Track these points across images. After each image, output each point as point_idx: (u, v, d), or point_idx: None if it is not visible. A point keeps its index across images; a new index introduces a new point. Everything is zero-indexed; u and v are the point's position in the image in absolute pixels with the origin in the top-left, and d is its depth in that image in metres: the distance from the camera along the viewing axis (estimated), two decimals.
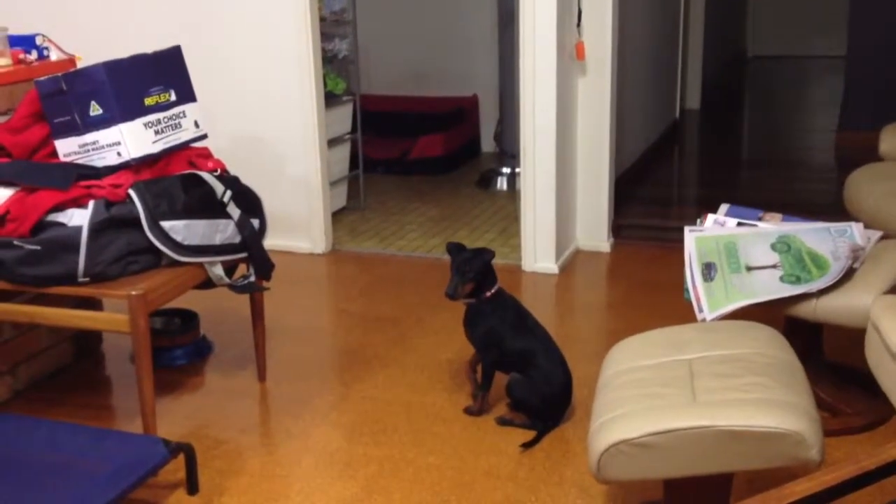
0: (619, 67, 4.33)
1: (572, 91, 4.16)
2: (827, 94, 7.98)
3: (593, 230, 4.34)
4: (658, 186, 5.51)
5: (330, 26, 4.80)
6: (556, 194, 4.02)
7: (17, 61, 3.02)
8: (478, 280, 2.73)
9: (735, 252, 2.68)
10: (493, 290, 2.77)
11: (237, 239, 2.78)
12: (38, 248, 2.51)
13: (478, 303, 2.77)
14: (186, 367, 3.24)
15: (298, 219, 4.34)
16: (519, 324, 2.77)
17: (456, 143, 5.95)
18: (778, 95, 8.71)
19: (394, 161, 5.79)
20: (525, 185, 4.06)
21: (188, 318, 3.37)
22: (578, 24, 4.07)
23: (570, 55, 4.06)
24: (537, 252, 4.07)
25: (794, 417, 1.84)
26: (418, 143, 5.79)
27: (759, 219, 2.82)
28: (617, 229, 4.43)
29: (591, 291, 4.06)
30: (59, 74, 2.73)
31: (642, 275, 4.06)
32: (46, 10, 4.21)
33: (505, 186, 5.40)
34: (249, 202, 2.88)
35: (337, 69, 4.89)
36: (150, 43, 3.06)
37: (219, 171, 2.93)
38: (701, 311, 2.57)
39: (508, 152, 5.41)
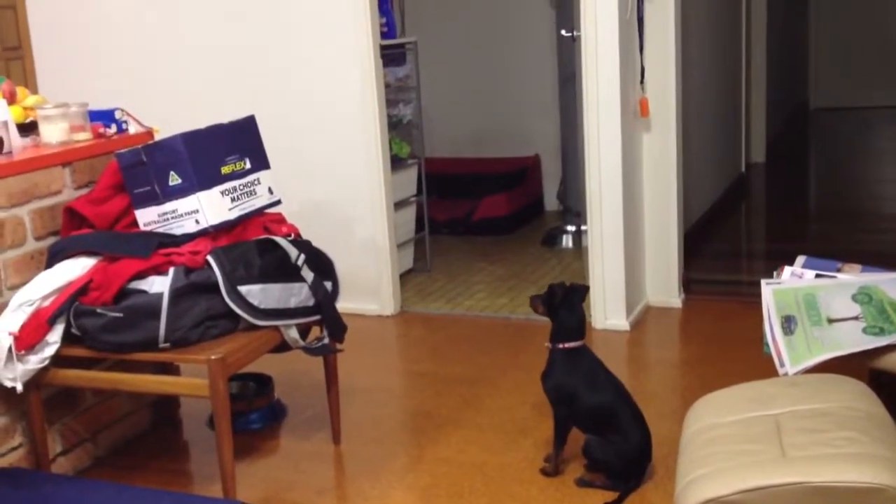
0: (684, 122, 4.33)
1: (637, 147, 4.16)
2: (892, 145, 7.86)
3: (663, 286, 4.30)
4: (727, 240, 5.45)
5: (394, 92, 4.89)
6: (625, 250, 4.00)
7: (98, 135, 3.12)
8: (559, 311, 2.71)
9: (815, 304, 2.62)
10: (574, 344, 2.73)
11: (311, 302, 2.81)
12: (121, 315, 2.57)
13: (554, 351, 2.74)
14: (262, 431, 3.26)
15: (367, 281, 4.37)
16: (594, 380, 2.73)
17: (519, 203, 5.98)
18: (843, 147, 8.59)
19: (458, 222, 5.82)
20: (592, 242, 4.05)
21: (263, 382, 3.40)
22: (642, 81, 4.09)
23: (634, 112, 4.08)
24: (607, 309, 4.04)
25: (888, 472, 1.78)
26: (482, 203, 5.83)
27: (838, 270, 2.76)
28: (687, 284, 4.38)
29: (663, 348, 4.00)
30: (139, 146, 2.82)
31: (715, 330, 3.99)
32: (124, 86, 4.37)
33: (571, 244, 5.39)
34: (322, 265, 2.92)
35: (402, 133, 4.97)
36: (224, 110, 3.15)
37: (292, 235, 2.98)
38: (783, 365, 2.52)
39: (573, 210, 5.41)
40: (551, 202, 6.24)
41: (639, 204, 4.21)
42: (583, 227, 4.72)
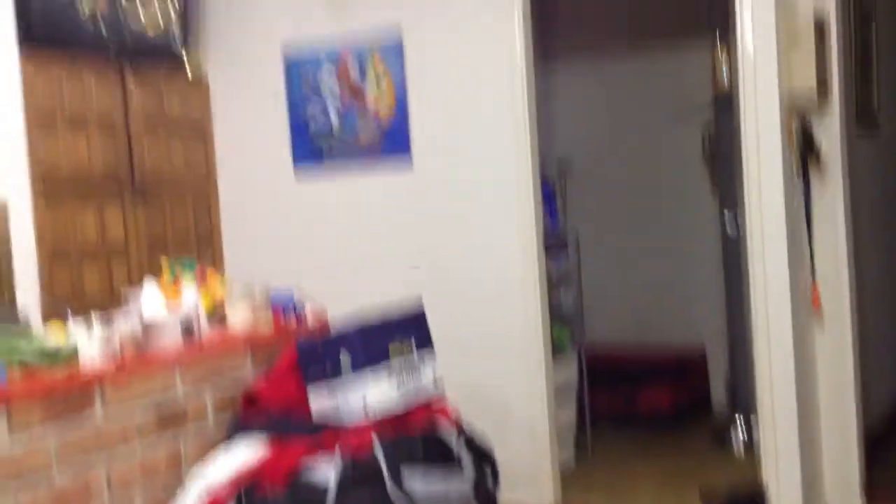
0: (859, 313, 4.16)
1: (809, 341, 4.01)
2: None
3: (843, 490, 4.01)
4: None
5: (556, 279, 4.96)
6: (801, 452, 3.78)
7: (278, 319, 3.30)
8: None
9: None
10: None
11: (472, 489, 2.80)
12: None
13: None
14: None
15: (525, 470, 4.30)
16: None
17: (684, 395, 5.80)
18: None
19: (620, 412, 5.69)
20: (765, 442, 3.86)
21: None
22: (812, 271, 3.99)
23: (806, 304, 3.96)
24: None
25: None
26: (645, 394, 5.69)
27: None
28: (870, 488, 4.08)
29: None
30: (315, 331, 2.97)
31: None
32: (303, 266, 4.63)
33: (740, 442, 5.15)
34: (482, 452, 2.92)
35: (562, 320, 5.00)
36: (393, 292, 3.27)
37: (453, 421, 3.00)
38: None
39: (742, 405, 5.20)
40: (718, 396, 6.01)
41: (813, 400, 4.01)
42: (753, 425, 4.53)
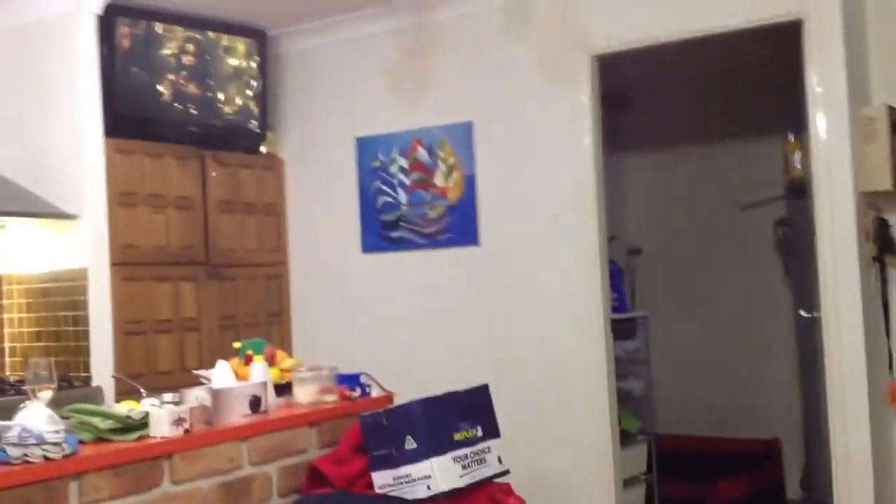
0: None
1: (888, 436, 3.87)
2: None
3: None
4: None
5: (625, 365, 4.90)
6: None
7: (343, 397, 3.31)
8: None
9: None
10: None
11: None
12: None
13: None
14: None
15: None
16: None
17: (758, 488, 5.60)
18: None
19: None
20: None
21: None
22: (890, 367, 3.88)
23: (884, 399, 3.83)
24: None
25: None
26: (716, 486, 5.51)
27: None
28: None
29: None
30: (380, 410, 2.97)
31: None
32: (370, 350, 4.67)
33: None
34: None
35: (631, 408, 4.91)
36: (459, 376, 3.27)
37: None
38: None
39: (818, 501, 5.01)
40: (793, 490, 5.80)
41: (891, 493, 3.85)
42: None
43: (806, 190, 4.19)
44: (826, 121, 3.79)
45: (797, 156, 4.93)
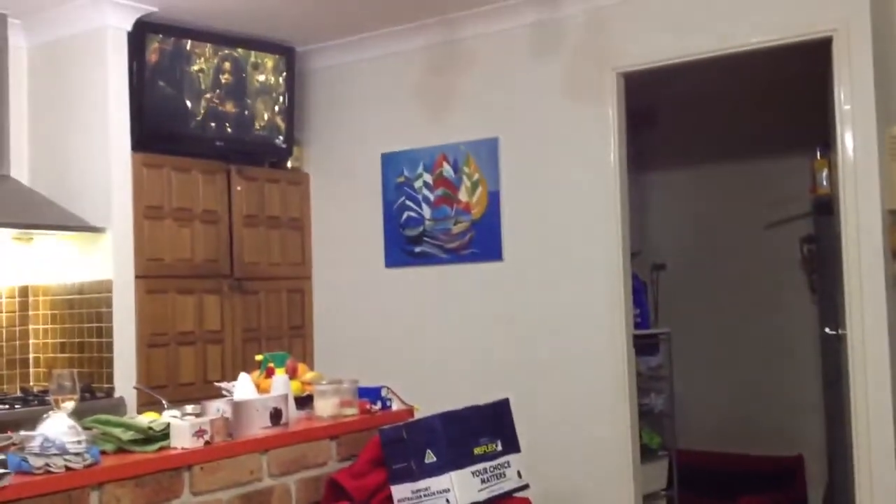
0: None
1: None
2: None
3: None
4: None
5: (646, 381, 4.88)
6: None
7: (364, 411, 3.32)
8: None
9: None
10: None
11: None
12: None
13: None
14: None
15: None
16: None
17: None
18: None
19: None
20: None
21: None
22: None
23: None
24: None
25: None
26: (738, 503, 5.47)
27: None
28: None
29: None
30: (401, 424, 2.97)
31: None
32: (391, 365, 4.68)
33: None
34: None
35: (653, 424, 4.89)
36: (480, 392, 3.27)
37: None
38: None
39: None
40: None
41: None
42: None
43: (833, 207, 4.17)
44: (854, 138, 3.77)
45: (824, 173, 4.91)
